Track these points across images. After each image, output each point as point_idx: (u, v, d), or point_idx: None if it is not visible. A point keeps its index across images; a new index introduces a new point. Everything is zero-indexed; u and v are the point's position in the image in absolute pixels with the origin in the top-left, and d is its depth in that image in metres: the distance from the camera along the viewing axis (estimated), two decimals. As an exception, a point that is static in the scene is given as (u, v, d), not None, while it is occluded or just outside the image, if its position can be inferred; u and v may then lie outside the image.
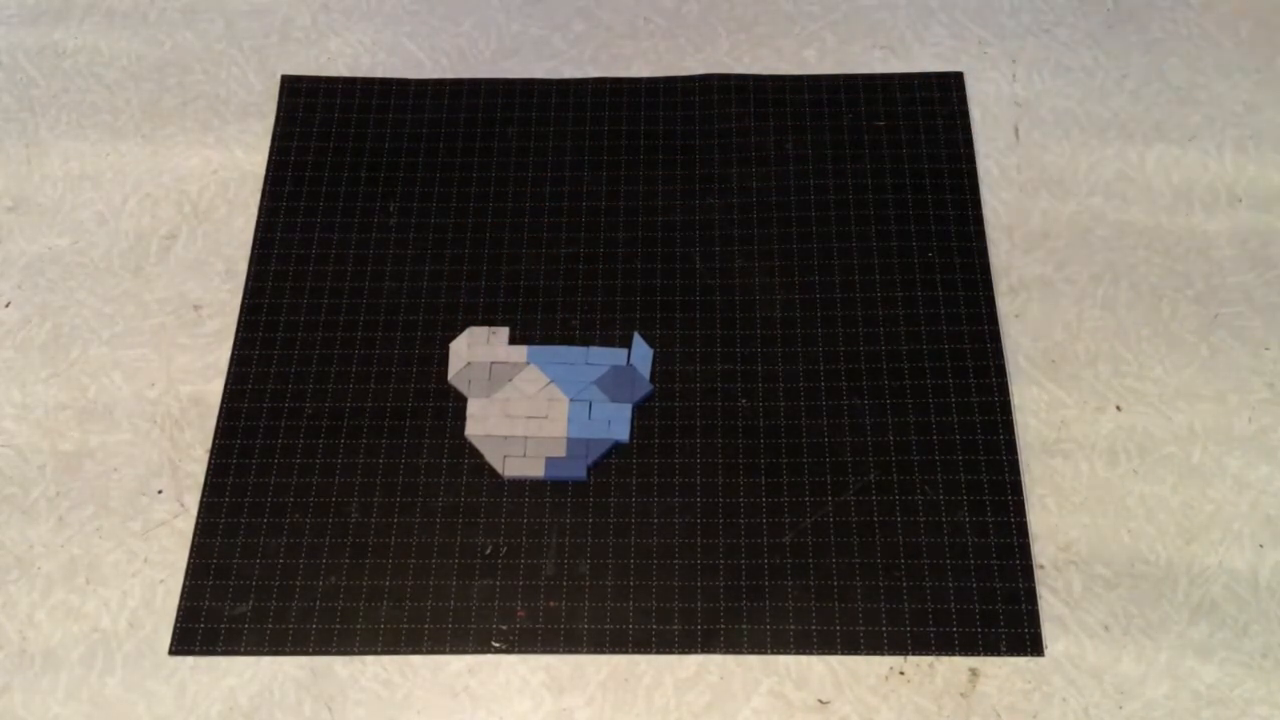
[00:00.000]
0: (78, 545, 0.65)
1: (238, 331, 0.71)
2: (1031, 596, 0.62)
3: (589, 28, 0.83)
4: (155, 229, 0.76)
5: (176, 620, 0.63)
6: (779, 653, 0.61)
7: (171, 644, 0.62)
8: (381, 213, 0.76)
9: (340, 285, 0.73)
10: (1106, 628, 0.61)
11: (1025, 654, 0.61)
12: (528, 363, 0.69)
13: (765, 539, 0.64)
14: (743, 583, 0.63)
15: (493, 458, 0.67)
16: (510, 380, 0.69)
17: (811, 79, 0.80)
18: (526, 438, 0.67)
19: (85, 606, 0.63)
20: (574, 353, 0.70)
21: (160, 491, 0.67)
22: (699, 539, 0.64)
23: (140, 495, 0.66)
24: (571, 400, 0.68)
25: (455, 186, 0.77)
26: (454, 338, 0.71)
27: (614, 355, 0.70)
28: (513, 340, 0.71)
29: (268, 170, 0.77)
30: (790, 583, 0.63)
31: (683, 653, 0.61)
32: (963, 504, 0.65)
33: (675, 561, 0.64)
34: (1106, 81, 0.80)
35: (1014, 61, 0.81)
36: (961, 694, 0.60)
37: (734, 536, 0.64)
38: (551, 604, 0.63)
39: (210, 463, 0.67)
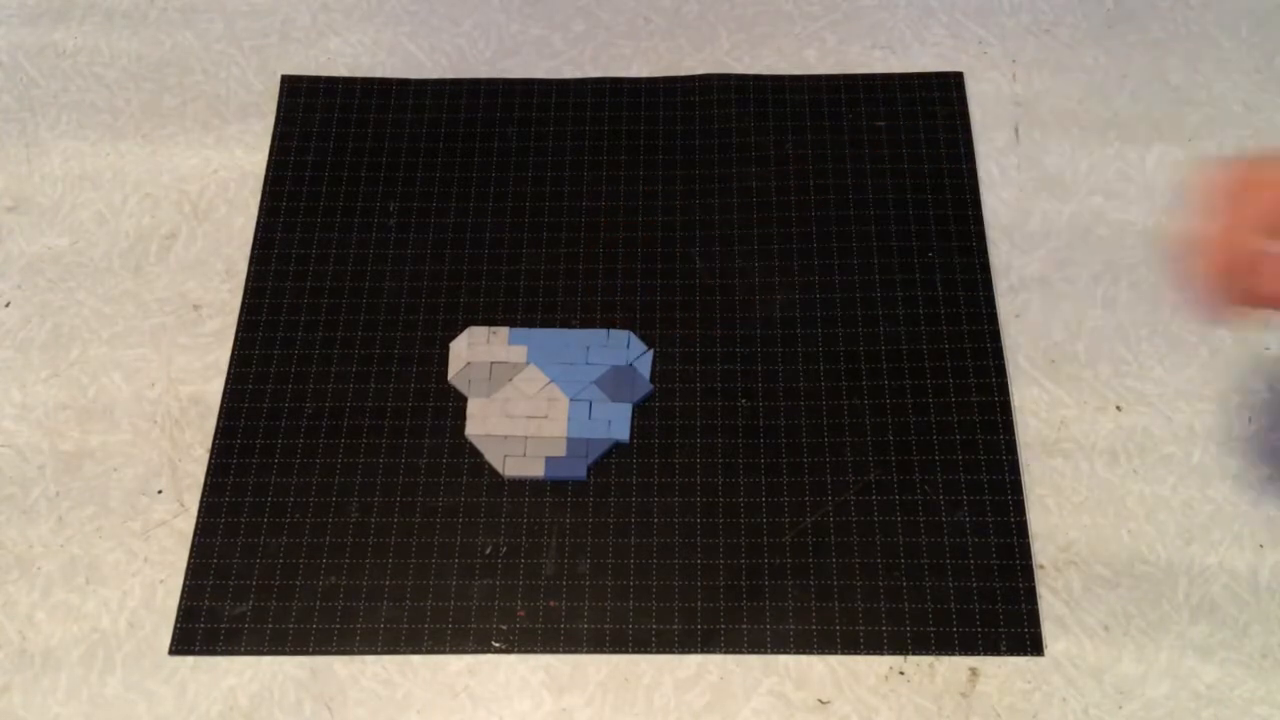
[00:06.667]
0: (78, 545, 0.65)
1: (238, 331, 0.71)
2: (1031, 596, 0.62)
3: (589, 28, 0.83)
4: (155, 229, 0.76)
5: (176, 620, 0.63)
6: (779, 653, 0.61)
7: (171, 644, 0.62)
8: (381, 213, 0.76)
9: (340, 285, 0.73)
10: (1106, 628, 0.61)
11: (1025, 654, 0.61)
12: (528, 363, 0.69)
13: (765, 539, 0.64)
14: (743, 583, 0.63)
15: (493, 458, 0.67)
16: (510, 380, 0.69)
17: (811, 79, 0.80)
18: (526, 438, 0.67)
19: (85, 606, 0.63)
20: (574, 351, 0.70)
21: (160, 491, 0.67)
22: (699, 539, 0.64)
23: (140, 495, 0.66)
24: (571, 400, 0.68)
25: (455, 186, 0.77)
26: (454, 338, 0.71)
27: (614, 355, 0.70)
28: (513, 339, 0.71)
29: (268, 170, 0.77)
30: (790, 583, 0.63)
31: (683, 653, 0.61)
32: (963, 504, 0.65)
33: (675, 561, 0.64)
34: (1106, 81, 0.80)
35: (1014, 61, 0.81)
36: (961, 694, 0.60)
37: (734, 536, 0.64)
38: (551, 604, 0.63)
39: (210, 463, 0.67)
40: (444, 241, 0.75)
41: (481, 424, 0.68)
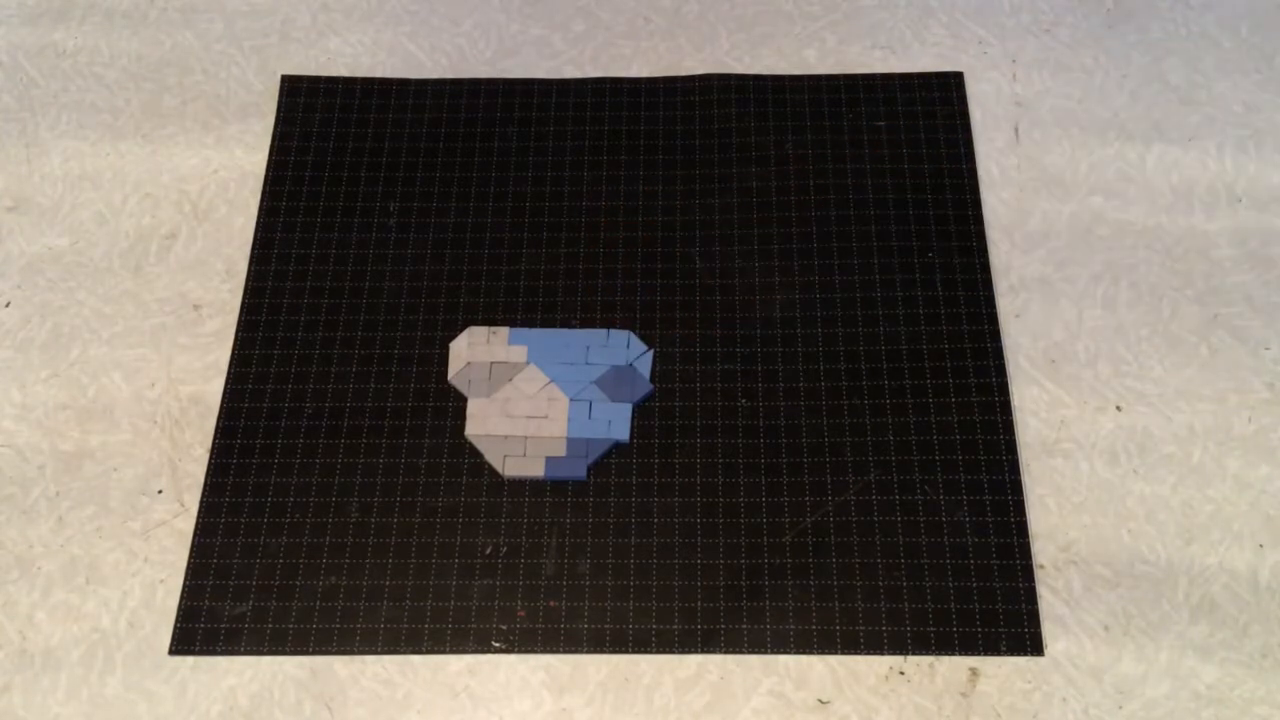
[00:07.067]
0: (78, 545, 0.65)
1: (238, 331, 0.71)
2: (1031, 596, 0.62)
3: (589, 28, 0.83)
4: (155, 229, 0.76)
5: (176, 620, 0.63)
6: (779, 653, 0.61)
7: (171, 644, 0.62)
8: (381, 213, 0.76)
9: (340, 285, 0.73)
10: (1106, 628, 0.61)
11: (1025, 654, 0.61)
12: (528, 363, 0.69)
13: (765, 539, 0.64)
14: (743, 583, 0.63)
15: (493, 458, 0.67)
16: (510, 380, 0.69)
17: (811, 79, 0.80)
18: (526, 438, 0.67)
19: (85, 606, 0.63)
20: (574, 351, 0.70)
21: (160, 491, 0.67)
22: (699, 539, 0.64)
23: (140, 495, 0.66)
24: (571, 400, 0.68)
25: (455, 186, 0.77)
26: (454, 338, 0.71)
27: (614, 355, 0.70)
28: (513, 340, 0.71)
29: (268, 170, 0.77)
30: (790, 583, 0.63)
31: (683, 653, 0.61)
32: (963, 504, 0.65)
33: (675, 561, 0.64)
34: (1106, 81, 0.80)
35: (1014, 61, 0.81)
36: (961, 694, 0.60)
37: (734, 536, 0.64)
38: (551, 604, 0.63)
39: (210, 463, 0.67)
40: (444, 241, 0.75)
41: (481, 424, 0.68)
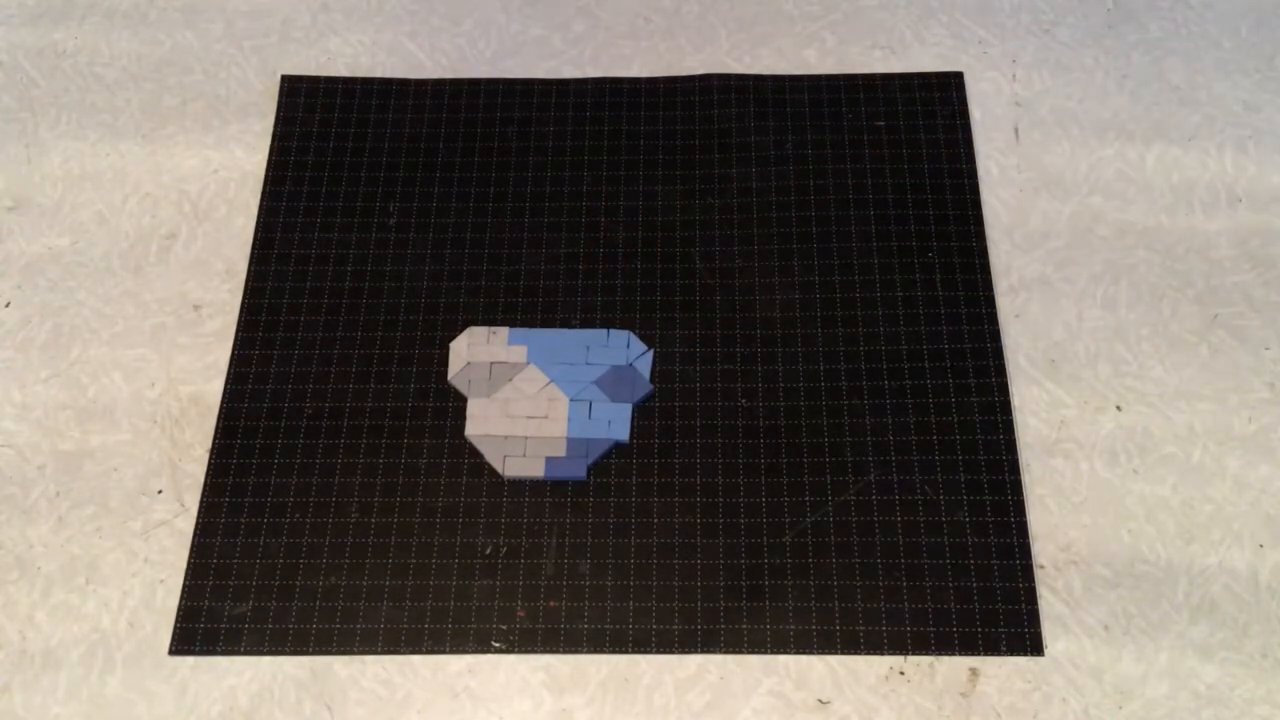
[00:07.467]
0: (78, 545, 0.65)
1: (238, 331, 0.71)
2: (1031, 596, 0.62)
3: (589, 28, 0.83)
4: (155, 229, 0.76)
5: (176, 620, 0.63)
6: (779, 653, 0.61)
7: (171, 644, 0.62)
8: (381, 213, 0.76)
9: (340, 285, 0.73)
10: (1106, 628, 0.61)
11: (1025, 654, 0.61)
12: (528, 363, 0.69)
13: (765, 539, 0.64)
14: (743, 583, 0.63)
15: (493, 458, 0.67)
16: (510, 380, 0.69)
17: (811, 79, 0.80)
18: (526, 438, 0.67)
19: (85, 606, 0.63)
20: (574, 351, 0.70)
21: (160, 491, 0.67)
22: (699, 539, 0.64)
23: (140, 495, 0.66)
24: (571, 400, 0.68)
25: (455, 186, 0.77)
26: (454, 338, 0.71)
27: (614, 355, 0.70)
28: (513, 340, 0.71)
29: (268, 170, 0.77)
30: (790, 583, 0.63)
31: (683, 653, 0.61)
32: (963, 504, 0.65)
33: (675, 561, 0.64)
34: (1106, 81, 0.80)
35: (1014, 61, 0.81)
36: (961, 694, 0.60)
37: (734, 536, 0.64)
38: (551, 604, 0.63)
39: (210, 463, 0.67)
40: (444, 241, 0.75)
41: (481, 424, 0.68)
